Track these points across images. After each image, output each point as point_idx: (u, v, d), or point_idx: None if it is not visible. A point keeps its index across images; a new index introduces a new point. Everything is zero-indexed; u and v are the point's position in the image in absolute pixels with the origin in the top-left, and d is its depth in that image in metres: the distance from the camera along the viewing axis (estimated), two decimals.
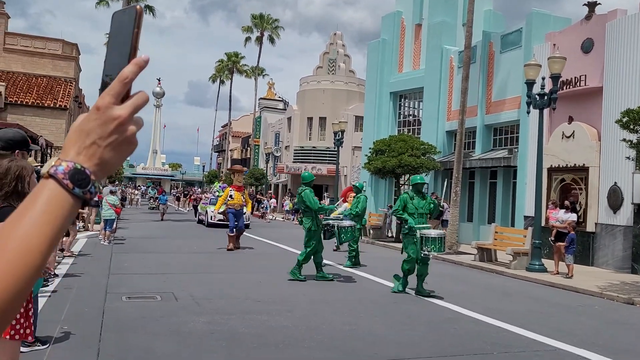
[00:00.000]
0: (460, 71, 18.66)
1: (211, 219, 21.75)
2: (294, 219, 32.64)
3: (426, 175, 21.04)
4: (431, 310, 7.92)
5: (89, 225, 17.48)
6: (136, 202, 39.98)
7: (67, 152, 0.80)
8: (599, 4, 15.49)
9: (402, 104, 25.77)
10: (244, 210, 15.02)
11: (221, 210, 15.25)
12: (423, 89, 23.28)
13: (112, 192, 15.30)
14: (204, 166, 71.75)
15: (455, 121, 19.69)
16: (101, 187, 17.65)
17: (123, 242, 15.22)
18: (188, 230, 21.17)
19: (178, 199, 43.85)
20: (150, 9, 32.35)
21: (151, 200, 36.64)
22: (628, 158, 11.58)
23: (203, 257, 12.94)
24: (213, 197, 25.95)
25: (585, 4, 15.63)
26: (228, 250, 14.16)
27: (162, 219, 25.39)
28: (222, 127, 71.39)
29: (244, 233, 15.63)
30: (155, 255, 12.98)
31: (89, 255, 12.18)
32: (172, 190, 49.55)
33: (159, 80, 75.14)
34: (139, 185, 66.74)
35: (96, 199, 15.32)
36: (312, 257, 10.10)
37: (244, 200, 14.86)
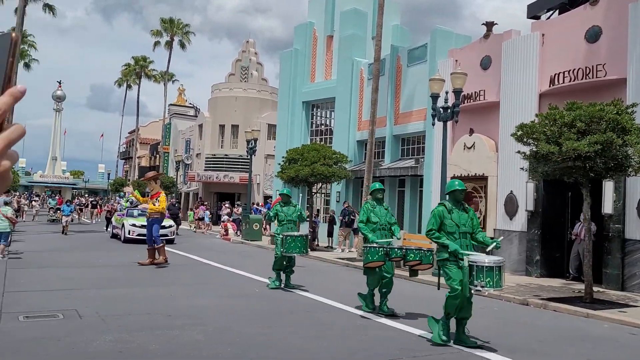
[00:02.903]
0: (370, 83, 19.26)
1: (129, 234, 19.65)
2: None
3: (338, 184, 21.48)
4: (342, 318, 8.08)
5: None
6: (33, 215, 33.64)
7: None
8: (496, 24, 16.64)
9: (315, 113, 26.15)
10: (161, 220, 14.03)
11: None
12: (335, 99, 23.77)
13: (6, 203, 14.22)
14: (109, 174, 68.51)
15: (365, 131, 20.27)
16: None
17: (19, 256, 14.17)
18: (96, 243, 20.02)
19: (81, 209, 37.21)
20: (50, 8, 30.52)
21: (50, 212, 32.76)
22: (522, 169, 12.49)
23: (110, 271, 12.34)
24: (122, 207, 24.28)
25: (483, 24, 16.73)
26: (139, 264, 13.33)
27: (65, 233, 22.53)
28: (129, 133, 68.67)
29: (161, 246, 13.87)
30: (56, 270, 12.20)
31: None
32: (76, 200, 45.02)
33: (59, 82, 70.83)
34: (35, 193, 62.30)
35: None
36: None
37: (156, 206, 13.68)
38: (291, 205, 10.99)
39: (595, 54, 13.13)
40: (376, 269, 8.22)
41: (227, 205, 31.36)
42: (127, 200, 22.67)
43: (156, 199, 13.75)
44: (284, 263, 10.60)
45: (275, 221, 10.89)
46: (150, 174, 15.30)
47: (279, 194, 11.54)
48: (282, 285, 10.64)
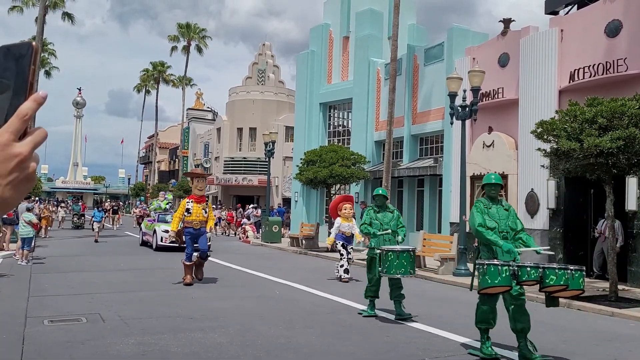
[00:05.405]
0: (387, 83, 19.20)
1: (161, 241, 17.86)
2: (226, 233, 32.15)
3: (357, 184, 21.43)
4: (365, 320, 8.05)
5: (3, 244, 16.41)
6: (60, 221, 32.95)
7: None
8: (513, 20, 16.47)
9: (332, 115, 26.14)
10: (206, 229, 11.29)
11: (174, 230, 11.21)
12: (352, 100, 23.74)
13: (28, 210, 14.46)
14: (129, 179, 69.35)
15: (383, 131, 20.21)
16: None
17: (43, 261, 14.41)
18: (124, 248, 20.20)
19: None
20: (69, 16, 31.08)
21: (74, 218, 32.11)
22: (543, 166, 12.32)
23: (132, 275, 12.48)
24: (153, 211, 22.84)
25: (500, 21, 16.57)
26: (185, 284, 10.80)
27: (97, 240, 21.35)
28: (148, 138, 69.40)
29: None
30: (79, 274, 12.38)
31: (5, 277, 11.45)
32: (99, 205, 45.05)
33: (79, 89, 71.87)
34: (62, 200, 63.21)
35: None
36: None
37: (206, 215, 11.22)
38: (387, 211, 8.31)
39: (615, 49, 12.91)
40: (497, 296, 6.02)
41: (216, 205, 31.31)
42: (161, 208, 21.50)
43: (205, 204, 11.47)
44: (389, 285, 7.98)
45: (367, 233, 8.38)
46: (200, 170, 13.56)
47: (373, 195, 8.75)
48: (394, 317, 7.99)
